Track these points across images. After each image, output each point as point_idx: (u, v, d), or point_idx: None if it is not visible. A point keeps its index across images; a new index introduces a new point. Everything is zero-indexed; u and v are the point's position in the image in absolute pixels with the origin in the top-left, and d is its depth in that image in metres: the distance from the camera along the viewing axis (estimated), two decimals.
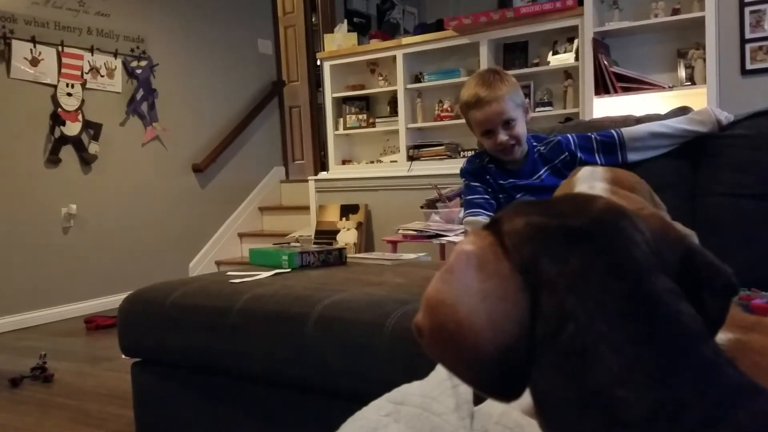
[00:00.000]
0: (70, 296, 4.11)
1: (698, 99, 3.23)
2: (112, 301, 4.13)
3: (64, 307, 4.07)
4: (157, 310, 1.73)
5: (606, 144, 1.72)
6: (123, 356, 1.89)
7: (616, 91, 3.43)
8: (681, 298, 0.51)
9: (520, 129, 1.70)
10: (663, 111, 1.88)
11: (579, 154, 1.72)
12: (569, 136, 1.77)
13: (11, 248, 3.84)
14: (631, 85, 3.43)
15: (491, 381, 0.52)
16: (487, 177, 1.78)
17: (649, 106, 2.71)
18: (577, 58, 3.63)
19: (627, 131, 1.74)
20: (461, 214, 1.81)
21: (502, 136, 1.68)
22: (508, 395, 0.53)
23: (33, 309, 3.93)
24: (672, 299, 0.50)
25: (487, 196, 1.75)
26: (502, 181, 1.76)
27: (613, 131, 1.75)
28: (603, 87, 3.46)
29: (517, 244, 0.53)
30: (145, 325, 1.76)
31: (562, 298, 0.49)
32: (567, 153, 1.73)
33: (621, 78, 3.44)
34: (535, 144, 1.78)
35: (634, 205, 0.95)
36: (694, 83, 3.40)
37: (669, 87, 3.41)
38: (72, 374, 2.80)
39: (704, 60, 3.33)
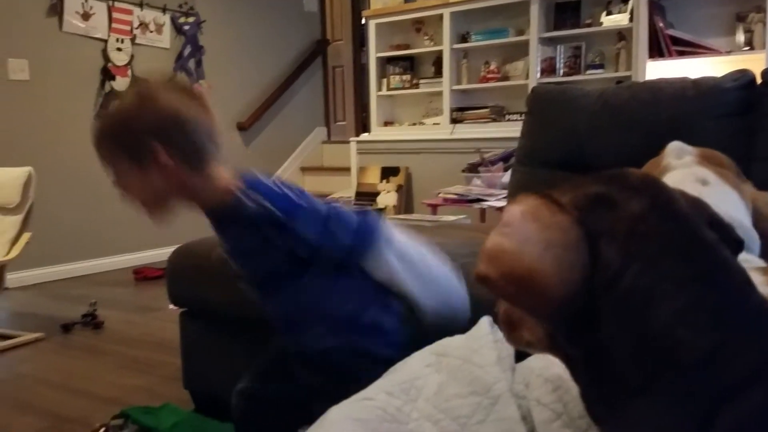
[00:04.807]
0: (119, 247, 4.25)
1: (756, 65, 3.07)
2: (160, 253, 4.24)
3: (113, 258, 4.21)
4: (204, 263, 1.77)
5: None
6: (171, 306, 1.95)
7: (670, 55, 3.31)
8: (727, 248, 0.53)
9: (134, 191, 1.11)
10: (719, 75, 1.81)
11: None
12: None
13: (63, 200, 3.97)
14: (686, 48, 3.31)
15: (559, 323, 0.55)
16: None
17: (704, 71, 2.61)
18: (631, 20, 3.51)
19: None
20: None
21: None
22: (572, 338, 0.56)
23: (83, 259, 4.07)
24: (722, 247, 0.53)
25: None
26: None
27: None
28: (657, 50, 3.34)
29: (572, 200, 0.55)
30: (193, 277, 1.80)
31: (625, 242, 0.52)
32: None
33: (676, 41, 3.32)
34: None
35: (724, 178, 1.02)
36: (753, 48, 3.26)
37: (726, 52, 3.28)
38: (121, 322, 2.91)
39: (764, 24, 3.18)
